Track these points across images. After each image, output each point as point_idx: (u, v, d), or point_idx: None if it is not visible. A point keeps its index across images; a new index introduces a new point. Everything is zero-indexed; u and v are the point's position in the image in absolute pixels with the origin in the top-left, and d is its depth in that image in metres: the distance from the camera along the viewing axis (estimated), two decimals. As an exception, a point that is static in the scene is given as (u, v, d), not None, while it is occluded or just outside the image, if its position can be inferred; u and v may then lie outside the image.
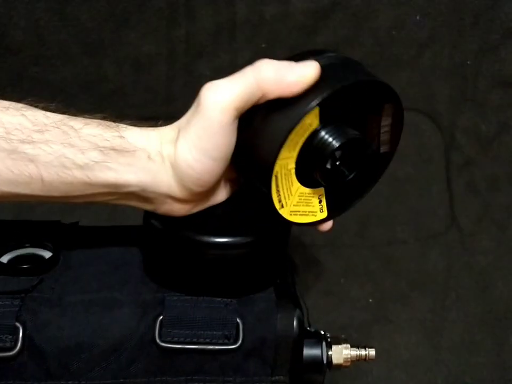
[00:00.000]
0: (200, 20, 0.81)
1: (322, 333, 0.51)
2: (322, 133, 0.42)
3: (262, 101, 0.42)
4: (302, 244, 0.84)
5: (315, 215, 0.47)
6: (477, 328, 0.79)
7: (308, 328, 0.51)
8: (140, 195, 0.44)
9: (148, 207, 0.46)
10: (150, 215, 0.47)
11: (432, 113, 0.88)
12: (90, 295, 0.47)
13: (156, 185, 0.43)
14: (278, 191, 0.43)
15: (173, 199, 0.44)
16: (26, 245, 0.52)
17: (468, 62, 0.87)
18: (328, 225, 0.48)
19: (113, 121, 0.44)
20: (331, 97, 0.41)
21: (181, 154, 0.42)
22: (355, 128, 0.44)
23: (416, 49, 0.86)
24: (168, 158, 0.43)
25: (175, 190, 0.43)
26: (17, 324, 0.44)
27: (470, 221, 0.88)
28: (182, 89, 0.85)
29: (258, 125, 0.42)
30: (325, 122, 0.42)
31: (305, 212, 0.46)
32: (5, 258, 0.50)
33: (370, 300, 0.81)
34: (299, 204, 0.45)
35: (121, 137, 0.42)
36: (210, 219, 0.47)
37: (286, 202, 0.44)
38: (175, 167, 0.42)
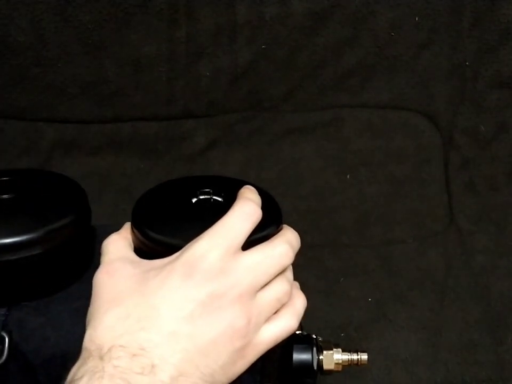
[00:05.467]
0: (201, 21, 0.81)
1: (314, 336, 0.50)
2: None
3: None
4: (301, 244, 0.84)
5: None
6: (475, 327, 0.79)
7: (299, 332, 0.49)
8: None
9: None
10: None
11: (431, 113, 0.88)
12: (77, 303, 0.46)
13: None
14: None
15: None
16: None
17: (467, 63, 0.87)
18: None
19: None
20: None
21: None
22: None
23: (415, 50, 0.86)
24: None
25: None
26: (3, 334, 0.44)
27: (468, 220, 0.88)
28: (182, 90, 0.85)
29: None
30: None
31: None
32: None
33: (370, 299, 0.81)
34: None
35: None
36: None
37: None
38: None
